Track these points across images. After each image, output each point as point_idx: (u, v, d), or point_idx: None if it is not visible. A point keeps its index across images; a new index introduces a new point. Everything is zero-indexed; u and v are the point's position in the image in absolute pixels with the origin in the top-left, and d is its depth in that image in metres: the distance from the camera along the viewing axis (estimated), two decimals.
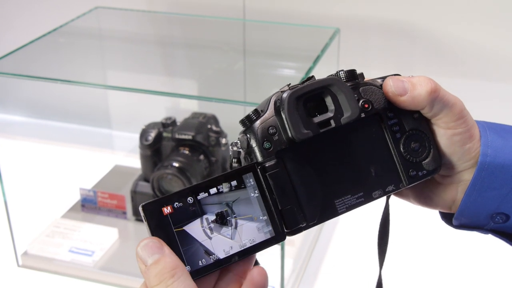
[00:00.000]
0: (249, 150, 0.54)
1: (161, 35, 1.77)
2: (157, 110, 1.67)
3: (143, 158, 1.47)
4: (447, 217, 0.63)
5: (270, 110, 0.54)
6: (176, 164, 1.35)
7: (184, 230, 0.51)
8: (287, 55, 1.53)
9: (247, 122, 0.55)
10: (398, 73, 0.59)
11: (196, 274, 0.51)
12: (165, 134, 1.44)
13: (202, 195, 0.52)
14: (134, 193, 1.44)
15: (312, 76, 0.56)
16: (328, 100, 0.55)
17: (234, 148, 0.56)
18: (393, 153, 0.58)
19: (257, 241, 0.53)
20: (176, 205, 0.51)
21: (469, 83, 1.53)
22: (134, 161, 1.60)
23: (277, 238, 0.53)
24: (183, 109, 1.67)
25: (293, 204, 0.54)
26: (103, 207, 1.45)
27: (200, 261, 0.51)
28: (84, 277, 1.31)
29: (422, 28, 1.51)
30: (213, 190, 0.52)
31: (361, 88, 0.56)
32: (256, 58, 1.61)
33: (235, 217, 0.53)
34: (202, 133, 1.40)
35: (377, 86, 0.57)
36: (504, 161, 0.56)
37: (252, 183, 0.54)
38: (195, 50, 1.70)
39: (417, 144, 0.58)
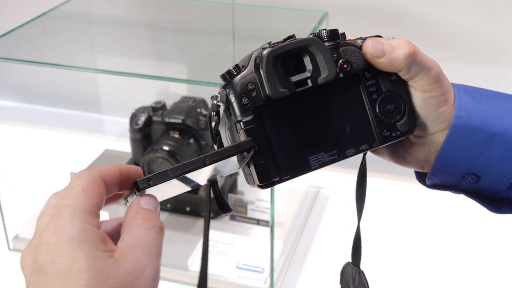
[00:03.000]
0: (227, 105, 0.56)
1: (150, 19, 1.77)
2: (147, 94, 1.67)
3: (133, 142, 1.47)
4: (422, 177, 0.64)
5: (250, 67, 0.55)
6: (166, 148, 1.35)
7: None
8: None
9: (228, 77, 0.56)
10: (380, 35, 0.60)
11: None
12: (155, 118, 1.44)
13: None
14: None
15: (293, 35, 0.57)
16: (307, 60, 0.56)
17: (214, 102, 0.56)
18: (368, 113, 0.59)
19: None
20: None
21: (458, 66, 1.54)
22: (124, 145, 1.60)
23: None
24: (172, 93, 1.67)
25: (268, 159, 0.56)
26: None
27: None
28: None
29: (410, 11, 1.51)
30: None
31: (341, 48, 0.57)
32: (246, 42, 1.61)
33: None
34: (192, 117, 1.41)
35: (357, 47, 0.58)
36: (476, 123, 0.58)
37: None
38: (184, 34, 1.70)
39: (392, 105, 0.59)
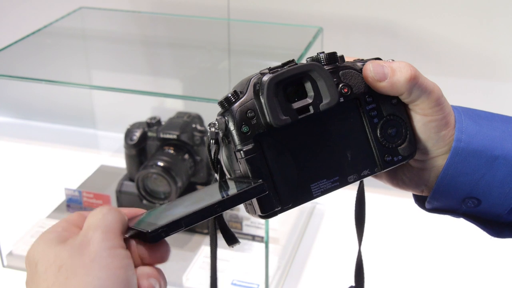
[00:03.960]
0: (226, 133, 0.54)
1: (145, 35, 1.77)
2: (142, 110, 1.67)
3: (128, 157, 1.47)
4: (421, 201, 0.64)
5: (249, 93, 0.54)
6: (161, 164, 1.35)
7: None
8: (271, 54, 1.54)
9: (226, 104, 0.54)
10: (379, 57, 0.59)
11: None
12: (150, 134, 1.44)
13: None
14: (119, 193, 1.44)
15: (293, 60, 0.55)
16: (308, 86, 0.55)
17: (212, 129, 0.55)
18: (369, 138, 0.58)
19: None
20: None
21: (451, 81, 1.54)
22: (119, 161, 1.60)
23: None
24: (168, 109, 1.67)
25: (269, 188, 0.54)
26: (88, 207, 1.44)
27: None
28: None
29: (404, 26, 1.52)
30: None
31: (341, 72, 0.56)
32: (241, 57, 1.61)
33: None
34: (187, 132, 1.40)
35: (357, 70, 0.57)
36: (477, 147, 0.57)
37: None
38: (179, 50, 1.70)
39: (393, 129, 0.58)
